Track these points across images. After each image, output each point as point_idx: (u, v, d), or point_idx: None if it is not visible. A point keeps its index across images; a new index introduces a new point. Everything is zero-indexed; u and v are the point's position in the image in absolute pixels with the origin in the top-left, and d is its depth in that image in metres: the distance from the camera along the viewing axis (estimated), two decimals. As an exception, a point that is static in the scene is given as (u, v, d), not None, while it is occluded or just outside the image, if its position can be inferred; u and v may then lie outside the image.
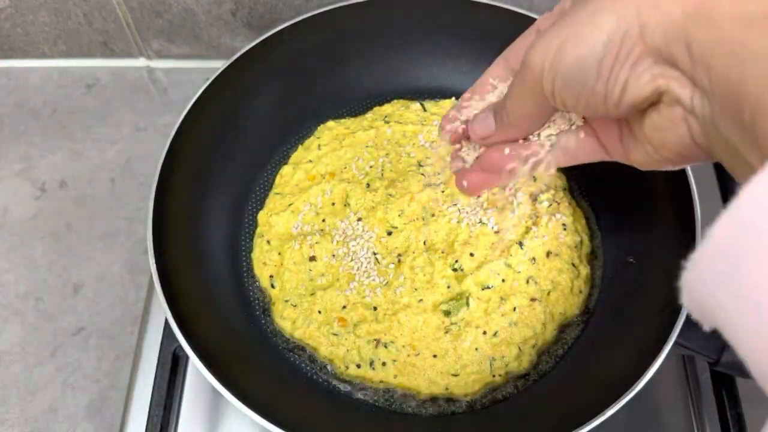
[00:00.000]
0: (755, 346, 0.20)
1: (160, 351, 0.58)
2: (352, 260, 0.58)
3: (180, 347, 0.49)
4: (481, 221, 0.58)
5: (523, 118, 0.38)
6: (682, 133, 0.30)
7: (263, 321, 0.58)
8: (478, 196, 0.59)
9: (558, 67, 0.31)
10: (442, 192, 0.60)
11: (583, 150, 0.40)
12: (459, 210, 0.59)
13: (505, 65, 0.44)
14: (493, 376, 0.54)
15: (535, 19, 0.43)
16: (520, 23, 0.60)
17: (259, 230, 0.62)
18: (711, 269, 0.21)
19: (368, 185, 0.61)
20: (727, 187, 0.68)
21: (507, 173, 0.42)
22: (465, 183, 0.45)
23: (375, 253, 0.58)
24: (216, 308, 0.56)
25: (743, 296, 0.20)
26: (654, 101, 0.30)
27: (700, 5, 0.26)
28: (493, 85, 0.44)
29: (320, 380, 0.55)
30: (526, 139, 0.42)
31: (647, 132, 0.33)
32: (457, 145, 0.47)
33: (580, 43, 0.30)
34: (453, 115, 0.46)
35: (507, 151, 0.41)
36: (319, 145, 0.66)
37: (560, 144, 0.40)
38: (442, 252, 0.57)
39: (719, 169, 0.69)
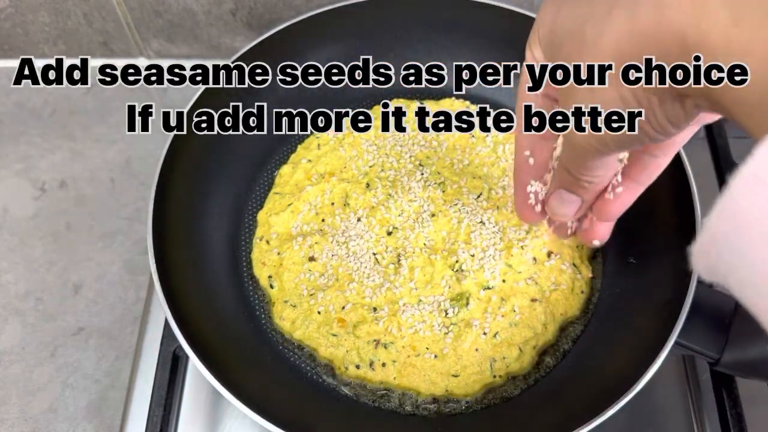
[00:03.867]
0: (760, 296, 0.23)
1: (160, 351, 0.58)
2: (351, 260, 0.57)
3: (180, 347, 0.49)
4: (481, 221, 0.58)
5: (600, 173, 0.40)
6: None
7: (263, 321, 0.58)
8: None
9: (609, 144, 0.34)
10: (443, 192, 0.60)
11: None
12: (459, 210, 0.59)
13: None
14: (494, 376, 0.54)
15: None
16: (520, 23, 0.60)
17: (258, 230, 0.62)
18: (720, 235, 0.24)
19: (368, 185, 0.61)
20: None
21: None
22: (596, 241, 0.49)
23: (375, 254, 0.58)
24: (216, 308, 0.56)
25: (751, 253, 0.22)
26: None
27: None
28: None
29: (320, 380, 0.55)
30: None
31: None
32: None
33: None
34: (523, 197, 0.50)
35: (620, 189, 0.44)
36: (318, 145, 0.66)
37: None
38: (442, 252, 0.57)
39: (719, 169, 0.69)
